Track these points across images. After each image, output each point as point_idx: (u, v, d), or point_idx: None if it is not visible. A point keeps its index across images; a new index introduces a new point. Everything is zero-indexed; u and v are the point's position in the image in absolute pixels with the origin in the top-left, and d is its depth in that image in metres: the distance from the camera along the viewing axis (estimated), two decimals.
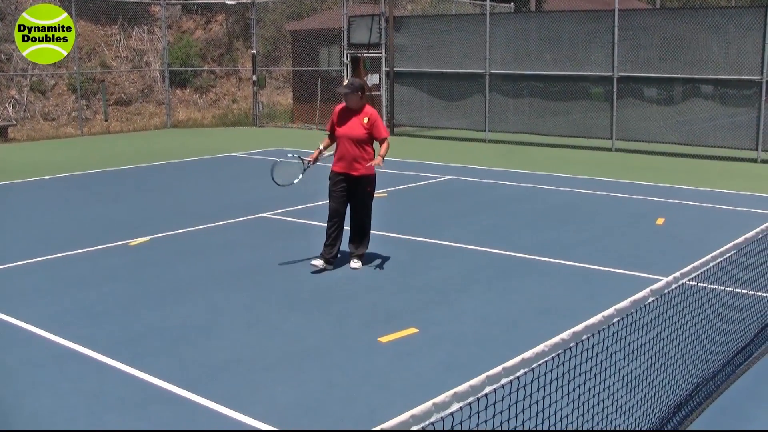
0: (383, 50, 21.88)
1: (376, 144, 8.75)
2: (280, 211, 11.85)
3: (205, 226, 11.03)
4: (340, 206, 8.75)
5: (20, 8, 25.50)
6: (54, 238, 10.42)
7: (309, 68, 24.57)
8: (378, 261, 9.17)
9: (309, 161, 8.89)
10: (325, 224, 8.89)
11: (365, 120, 8.60)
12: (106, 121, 24.72)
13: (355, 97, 8.63)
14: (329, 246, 8.81)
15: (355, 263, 8.85)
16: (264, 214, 11.70)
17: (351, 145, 8.57)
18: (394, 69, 21.78)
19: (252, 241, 10.24)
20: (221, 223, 11.22)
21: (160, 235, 10.51)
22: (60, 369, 6.18)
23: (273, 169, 8.93)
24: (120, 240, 10.20)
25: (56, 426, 5.23)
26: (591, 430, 4.54)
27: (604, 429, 4.62)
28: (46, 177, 15.33)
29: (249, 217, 11.53)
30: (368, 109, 8.73)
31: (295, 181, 9.03)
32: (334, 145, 8.84)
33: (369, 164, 8.55)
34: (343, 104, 8.79)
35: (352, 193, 8.73)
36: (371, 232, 9.05)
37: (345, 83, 8.79)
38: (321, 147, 8.93)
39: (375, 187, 8.91)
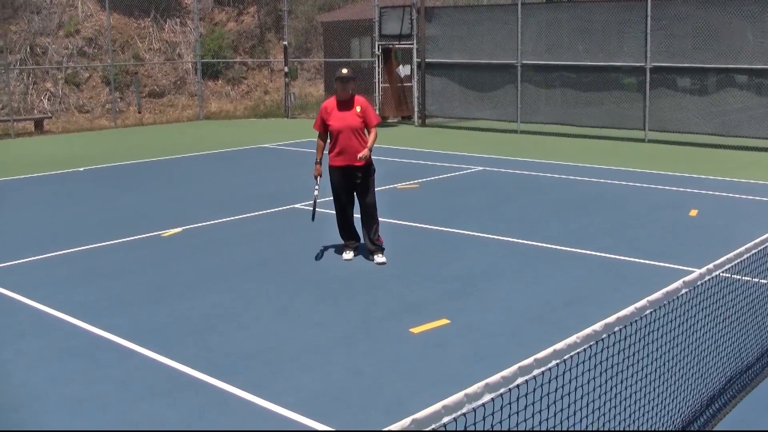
0: (415, 41, 21.82)
1: None
2: (311, 202, 11.84)
3: (236, 217, 11.08)
4: (347, 206, 8.87)
5: (55, 1, 25.78)
6: (88, 230, 10.51)
7: (340, 60, 24.57)
8: (408, 252, 9.16)
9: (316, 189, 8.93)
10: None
11: (358, 109, 8.67)
12: (140, 113, 24.91)
13: (352, 84, 8.73)
14: (349, 237, 9.00)
15: (380, 258, 8.76)
16: (295, 205, 11.72)
17: (351, 136, 8.59)
18: (426, 60, 21.71)
19: (282, 232, 10.27)
20: (253, 214, 11.26)
21: (192, 225, 10.56)
22: (91, 356, 6.24)
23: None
24: (152, 231, 10.27)
25: (87, 413, 5.28)
26: (618, 430, 4.49)
27: (637, 421, 4.57)
28: (81, 169, 15.47)
29: (280, 209, 11.56)
30: (358, 98, 8.80)
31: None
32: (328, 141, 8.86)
33: (359, 155, 8.49)
34: (330, 100, 8.82)
35: (357, 185, 8.73)
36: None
37: (344, 69, 8.77)
38: (319, 161, 8.87)
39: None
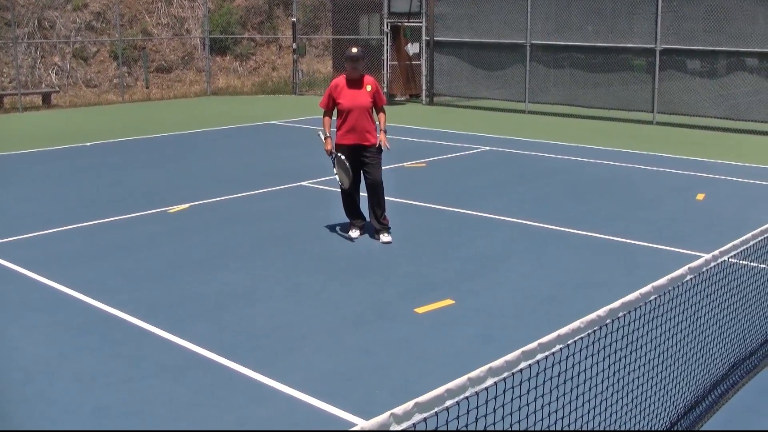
0: (424, 19, 21.74)
1: None
2: (318, 180, 11.89)
3: (244, 194, 11.12)
4: (354, 185, 8.82)
5: None
6: (94, 205, 10.56)
7: (349, 37, 24.49)
8: (415, 231, 9.19)
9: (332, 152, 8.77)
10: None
11: (368, 88, 8.68)
12: (147, 88, 24.89)
13: (363, 63, 8.72)
14: (355, 217, 9.03)
15: (386, 237, 8.80)
16: (303, 183, 11.75)
17: (361, 115, 8.61)
18: (435, 38, 21.65)
19: (290, 210, 10.31)
20: (260, 191, 11.30)
21: (199, 202, 10.61)
22: (100, 334, 6.30)
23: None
24: (160, 207, 10.32)
25: (97, 389, 5.34)
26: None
27: (639, 406, 4.62)
28: (88, 143, 15.50)
29: (288, 186, 11.60)
30: (368, 77, 8.80)
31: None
32: (335, 119, 8.86)
33: (379, 143, 8.54)
34: (341, 78, 8.79)
35: (364, 163, 8.74)
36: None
37: (354, 48, 8.74)
38: (326, 136, 8.76)
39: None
